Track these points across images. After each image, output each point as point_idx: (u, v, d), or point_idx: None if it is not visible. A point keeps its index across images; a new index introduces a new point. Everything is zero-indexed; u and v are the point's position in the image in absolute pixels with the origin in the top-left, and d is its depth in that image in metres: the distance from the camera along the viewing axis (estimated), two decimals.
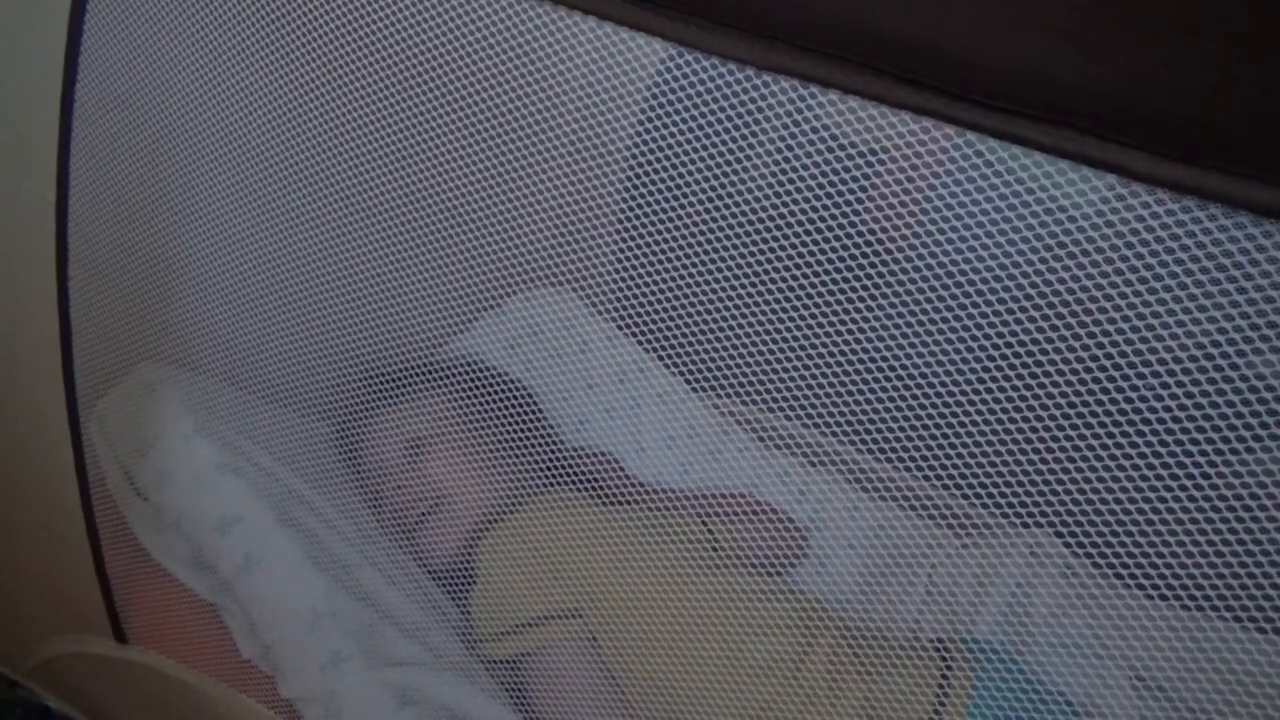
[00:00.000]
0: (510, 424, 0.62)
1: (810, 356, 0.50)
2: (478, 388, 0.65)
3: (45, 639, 0.79)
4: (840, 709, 0.60)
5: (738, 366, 0.59)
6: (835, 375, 0.50)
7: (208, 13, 0.55)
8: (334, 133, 0.57)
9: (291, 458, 0.72)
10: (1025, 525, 0.49)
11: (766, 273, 0.52)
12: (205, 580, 0.68)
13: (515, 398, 0.62)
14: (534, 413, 0.64)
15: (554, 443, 0.68)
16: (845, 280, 0.47)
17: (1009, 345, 0.44)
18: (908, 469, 0.71)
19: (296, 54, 0.53)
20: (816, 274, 0.48)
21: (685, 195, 0.51)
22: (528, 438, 0.62)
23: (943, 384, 0.51)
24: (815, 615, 0.67)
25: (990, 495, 0.48)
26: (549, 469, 0.64)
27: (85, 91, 0.55)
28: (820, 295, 0.48)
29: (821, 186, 0.46)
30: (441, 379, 0.66)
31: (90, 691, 0.80)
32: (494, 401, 0.62)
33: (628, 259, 0.70)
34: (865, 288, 0.47)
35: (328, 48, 0.52)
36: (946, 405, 0.49)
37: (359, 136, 0.57)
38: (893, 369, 0.52)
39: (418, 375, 0.68)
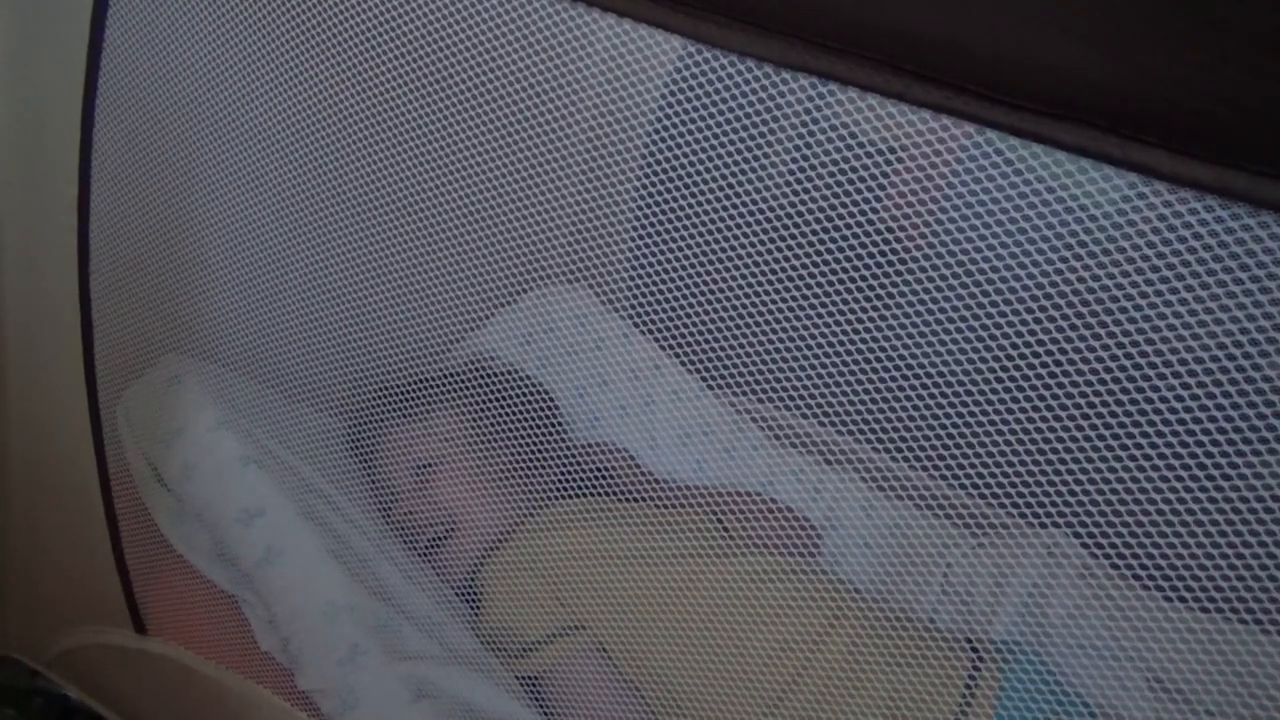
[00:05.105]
0: (524, 428, 0.62)
1: (825, 354, 0.50)
2: (491, 395, 0.65)
3: (65, 629, 0.80)
4: (863, 696, 0.60)
5: (753, 364, 0.59)
6: (850, 373, 0.50)
7: (228, 9, 0.55)
8: (352, 129, 0.58)
9: (311, 453, 0.72)
10: (1042, 525, 0.49)
11: (782, 270, 0.52)
12: (225, 572, 0.69)
13: (531, 399, 0.62)
14: (550, 415, 0.64)
15: (567, 447, 0.68)
16: (861, 278, 0.47)
17: (1026, 344, 0.44)
18: (923, 468, 0.71)
19: (316, 49, 0.53)
20: (833, 271, 0.48)
21: (701, 192, 0.50)
22: (542, 443, 0.62)
23: (959, 382, 0.50)
24: (837, 594, 0.67)
25: (1007, 495, 0.48)
26: (562, 475, 0.64)
27: (107, 87, 0.56)
28: (836, 293, 0.48)
29: (838, 184, 0.45)
30: (452, 390, 0.66)
31: (109, 681, 0.81)
32: (509, 405, 0.62)
33: (643, 256, 0.70)
34: (882, 285, 0.47)
35: (347, 44, 0.52)
36: (963, 404, 0.49)
37: (377, 132, 0.57)
38: (909, 367, 0.52)
39: (427, 388, 0.68)
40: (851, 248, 0.47)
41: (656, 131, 0.49)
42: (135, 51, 0.56)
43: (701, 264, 0.52)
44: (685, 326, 0.56)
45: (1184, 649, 0.47)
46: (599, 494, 0.72)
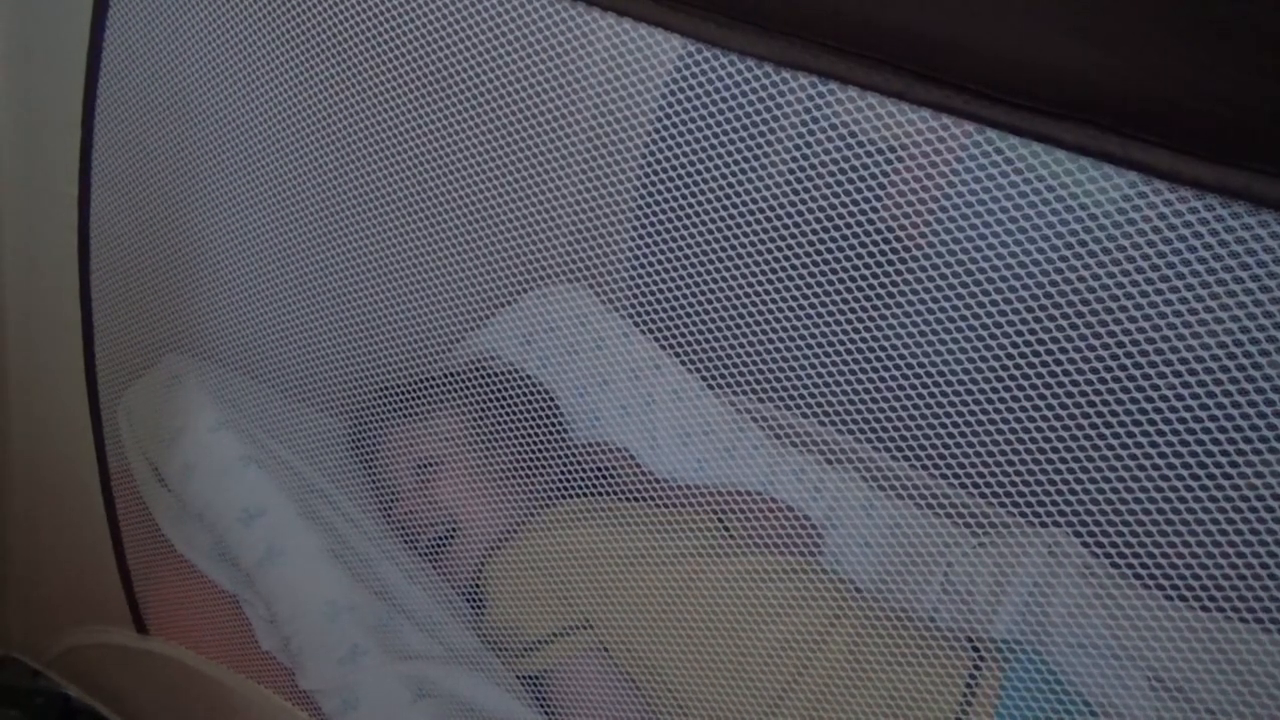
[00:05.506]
0: (525, 428, 0.62)
1: (826, 354, 0.50)
2: (492, 394, 0.65)
3: (66, 629, 0.80)
4: (864, 695, 0.60)
5: (753, 363, 0.59)
6: (851, 372, 0.50)
7: (228, 9, 0.55)
8: (352, 129, 0.58)
9: (312, 453, 0.73)
10: (1043, 524, 0.49)
11: (783, 269, 0.52)
12: (226, 572, 0.69)
13: (532, 399, 0.62)
14: (551, 415, 0.64)
15: (568, 447, 0.68)
16: (862, 277, 0.47)
17: (1027, 343, 0.44)
18: (924, 467, 0.71)
19: (316, 49, 0.53)
20: (833, 271, 0.48)
21: (701, 192, 0.50)
22: (542, 443, 0.62)
23: (960, 382, 0.50)
24: (838, 593, 0.67)
25: (1008, 494, 0.48)
26: (563, 475, 0.64)
27: (107, 87, 0.56)
28: (836, 293, 0.48)
29: (839, 183, 0.45)
30: (453, 390, 0.66)
31: (110, 681, 0.81)
32: (510, 404, 0.62)
33: (643, 255, 0.70)
34: (882, 285, 0.47)
35: (347, 44, 0.52)
36: (964, 403, 0.49)
37: (378, 132, 0.57)
38: (909, 366, 0.52)
39: (428, 388, 0.68)
40: (851, 247, 0.47)
41: (656, 131, 0.49)
42: (135, 51, 0.56)
43: (701, 264, 0.52)
44: (685, 326, 0.56)
45: (1185, 648, 0.47)
46: (600, 494, 0.72)
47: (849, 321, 0.48)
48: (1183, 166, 0.30)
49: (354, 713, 0.62)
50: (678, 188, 0.50)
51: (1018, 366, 0.44)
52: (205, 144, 0.62)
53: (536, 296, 0.87)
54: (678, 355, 0.86)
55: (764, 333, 0.56)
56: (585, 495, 0.70)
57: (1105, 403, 0.44)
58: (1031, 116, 0.32)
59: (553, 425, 0.64)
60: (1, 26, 0.56)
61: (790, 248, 0.51)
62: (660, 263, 0.53)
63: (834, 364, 0.50)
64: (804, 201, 0.51)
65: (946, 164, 0.42)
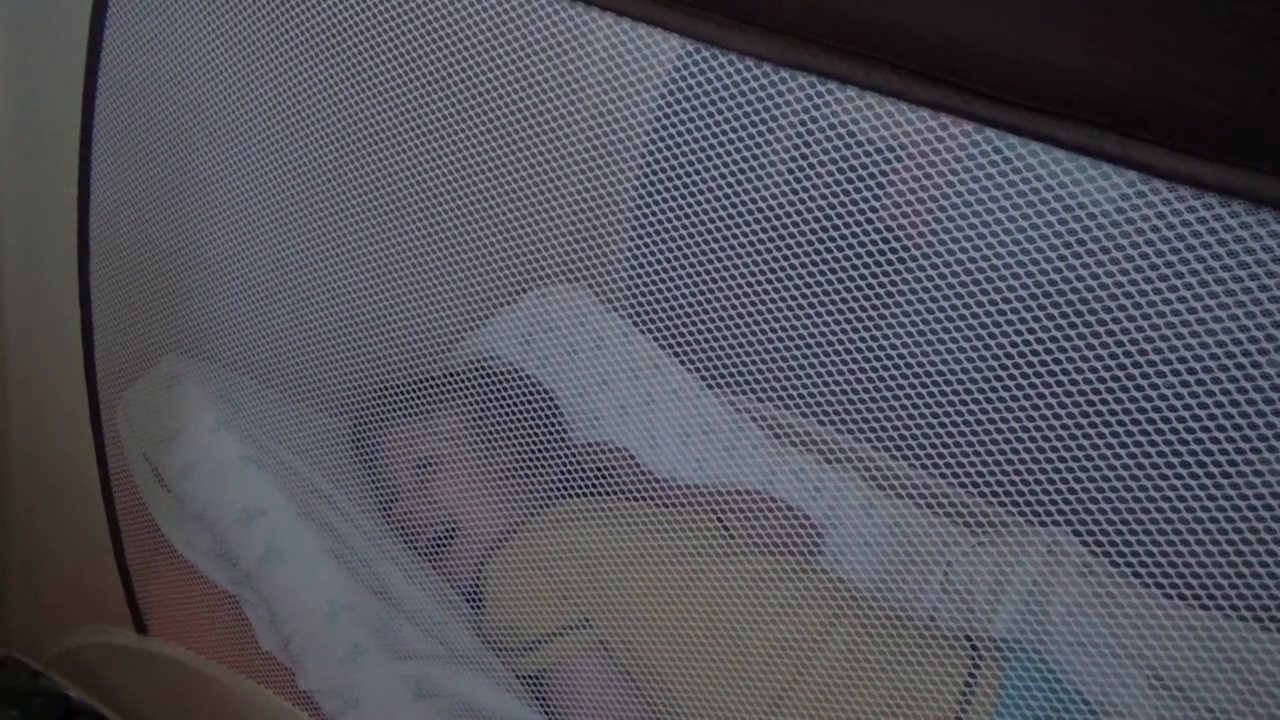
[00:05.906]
0: (525, 427, 0.62)
1: (826, 353, 0.50)
2: (492, 394, 0.65)
3: (66, 629, 0.80)
4: (863, 694, 0.60)
5: (753, 363, 0.59)
6: (851, 372, 0.50)
7: (228, 8, 0.55)
8: (352, 128, 0.58)
9: (312, 453, 0.73)
10: (1042, 523, 0.49)
11: (782, 269, 0.52)
12: (226, 572, 0.69)
13: (532, 399, 0.62)
14: (551, 414, 0.64)
15: (568, 447, 0.68)
16: (862, 277, 0.47)
17: (1027, 343, 0.44)
18: (923, 466, 0.71)
19: (316, 49, 0.53)
20: (833, 270, 0.48)
21: (701, 191, 0.50)
22: (542, 443, 0.62)
23: (959, 381, 0.50)
24: (837, 593, 0.67)
25: (1007, 493, 0.48)
26: (563, 475, 0.64)
27: (107, 87, 0.56)
28: (836, 292, 0.48)
29: (838, 183, 0.45)
30: (454, 388, 0.66)
31: (110, 681, 0.81)
32: (510, 404, 0.62)
33: (643, 255, 0.70)
34: (882, 284, 0.47)
35: (347, 43, 0.52)
36: (963, 402, 0.49)
37: (378, 132, 0.57)
38: (909, 365, 0.52)
39: (428, 387, 0.68)
40: (851, 247, 0.47)
41: (656, 131, 0.49)
42: (135, 51, 0.56)
43: (701, 263, 0.52)
44: (685, 325, 0.56)
45: (1184, 647, 0.47)
46: (600, 493, 0.72)
47: (849, 321, 0.48)
48: (1182, 165, 0.30)
49: (354, 713, 0.62)
50: (677, 187, 0.50)
51: (1017, 366, 0.44)
52: (205, 144, 0.62)
53: (536, 296, 0.87)
54: (677, 355, 0.86)
55: (763, 332, 0.56)
56: (585, 495, 0.70)
57: (1105, 402, 0.44)
58: (1031, 116, 0.32)
59: (553, 425, 0.64)
60: (1, 27, 0.56)
61: (790, 247, 0.51)
62: (659, 262, 0.53)
63: (834, 364, 0.50)
64: (804, 201, 0.51)
65: (946, 164, 0.42)
